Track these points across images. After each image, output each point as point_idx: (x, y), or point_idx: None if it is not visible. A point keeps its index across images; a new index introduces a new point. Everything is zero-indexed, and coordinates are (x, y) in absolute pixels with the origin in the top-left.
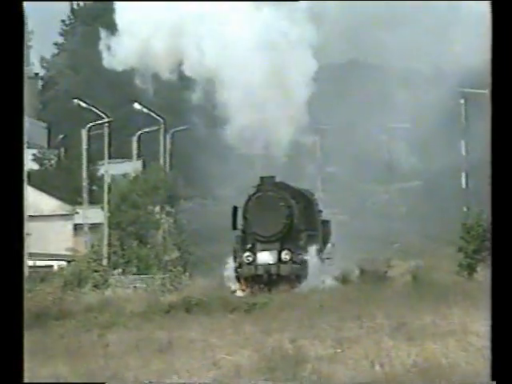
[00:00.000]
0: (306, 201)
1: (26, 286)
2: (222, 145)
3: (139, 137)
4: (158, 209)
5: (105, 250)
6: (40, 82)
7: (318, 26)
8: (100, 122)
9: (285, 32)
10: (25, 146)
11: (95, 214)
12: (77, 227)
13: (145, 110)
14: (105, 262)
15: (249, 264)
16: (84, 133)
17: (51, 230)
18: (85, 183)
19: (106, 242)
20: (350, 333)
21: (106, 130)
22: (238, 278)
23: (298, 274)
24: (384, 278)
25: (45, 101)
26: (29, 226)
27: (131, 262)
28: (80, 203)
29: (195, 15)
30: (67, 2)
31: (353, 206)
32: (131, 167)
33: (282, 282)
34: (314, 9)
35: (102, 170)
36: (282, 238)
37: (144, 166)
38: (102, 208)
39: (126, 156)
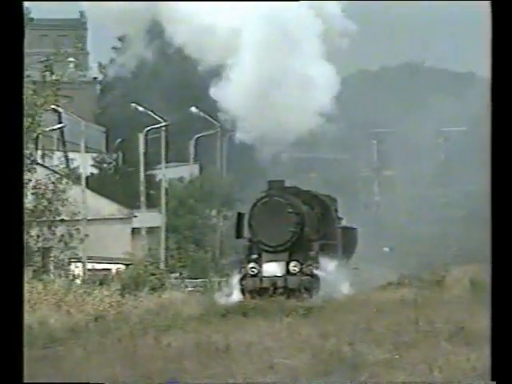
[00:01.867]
0: (322, 207)
1: (85, 289)
2: (274, 147)
3: (196, 140)
4: (214, 212)
5: (162, 253)
6: (98, 87)
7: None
8: (157, 125)
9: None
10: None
11: (152, 218)
12: (134, 231)
13: (202, 113)
14: (162, 265)
15: (253, 276)
16: (141, 137)
17: (110, 234)
18: (142, 187)
19: (163, 245)
20: (407, 337)
21: (163, 134)
22: (242, 291)
23: (307, 287)
24: (441, 283)
25: (103, 105)
26: (88, 230)
27: (188, 266)
28: (138, 207)
29: (255, 15)
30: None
31: (410, 210)
32: (188, 171)
33: (290, 296)
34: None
35: (159, 174)
36: (291, 248)
37: (201, 169)
38: (160, 212)
39: (184, 160)
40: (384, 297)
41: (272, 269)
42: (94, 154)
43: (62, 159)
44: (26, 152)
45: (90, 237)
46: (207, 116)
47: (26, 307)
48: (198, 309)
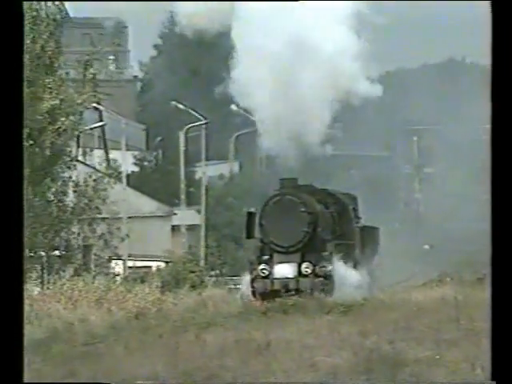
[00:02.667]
0: (339, 206)
1: (125, 287)
2: (315, 145)
3: (236, 138)
4: (253, 210)
5: (202, 251)
6: (138, 85)
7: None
8: (197, 123)
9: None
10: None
11: (192, 216)
12: (174, 228)
13: (241, 111)
14: (202, 263)
15: (264, 278)
16: (181, 135)
17: (150, 231)
18: (182, 185)
19: (202, 243)
20: (448, 335)
21: (203, 132)
22: (253, 293)
23: (320, 289)
24: (483, 280)
25: (143, 103)
26: (129, 227)
27: (227, 263)
28: (178, 204)
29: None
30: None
31: (451, 207)
32: (227, 169)
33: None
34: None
35: (199, 172)
36: (303, 249)
37: (240, 167)
38: (199, 209)
39: (223, 157)
40: (424, 295)
41: (283, 270)
42: (135, 152)
43: (103, 157)
44: (67, 150)
45: (131, 234)
46: (247, 114)
47: (68, 304)
48: (237, 306)
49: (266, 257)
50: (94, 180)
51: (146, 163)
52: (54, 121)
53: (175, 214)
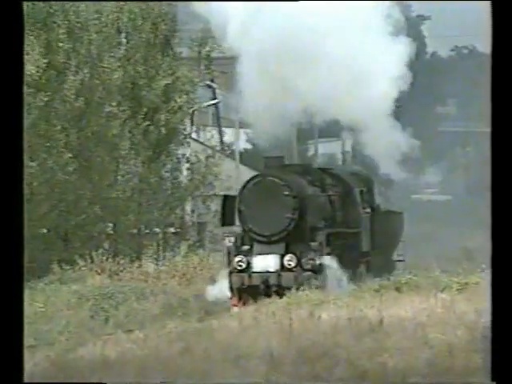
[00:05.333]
0: (343, 189)
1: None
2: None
3: None
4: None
5: None
6: None
7: None
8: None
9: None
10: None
11: None
12: None
13: None
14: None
15: (241, 271)
16: None
17: None
18: (296, 162)
19: None
20: None
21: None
22: (231, 289)
23: (307, 285)
24: None
25: None
26: None
27: None
28: None
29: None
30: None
31: None
32: (339, 146)
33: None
34: None
35: (311, 149)
36: (288, 238)
37: (355, 144)
38: None
39: (336, 135)
40: None
41: (263, 263)
42: (248, 130)
43: (216, 135)
44: (181, 127)
45: None
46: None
47: (183, 281)
48: (350, 284)
49: (245, 247)
50: (207, 157)
51: (257, 141)
52: (168, 99)
53: None
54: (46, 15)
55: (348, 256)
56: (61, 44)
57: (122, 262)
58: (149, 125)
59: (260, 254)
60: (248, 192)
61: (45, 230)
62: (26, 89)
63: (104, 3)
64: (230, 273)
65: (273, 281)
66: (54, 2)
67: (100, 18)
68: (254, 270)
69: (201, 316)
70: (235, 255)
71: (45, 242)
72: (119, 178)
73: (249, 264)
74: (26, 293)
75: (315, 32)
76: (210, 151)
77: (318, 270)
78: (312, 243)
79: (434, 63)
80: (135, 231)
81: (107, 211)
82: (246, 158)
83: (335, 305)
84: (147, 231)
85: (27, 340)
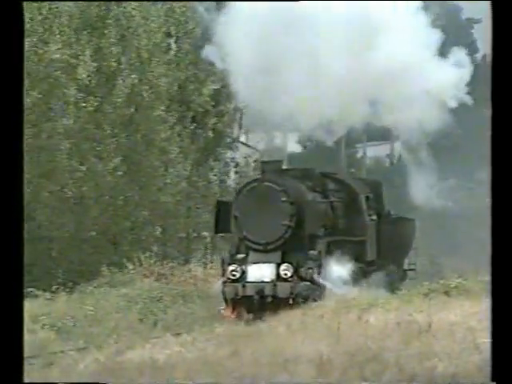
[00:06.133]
0: (347, 195)
1: None
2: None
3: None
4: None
5: None
6: None
7: None
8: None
9: None
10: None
11: None
12: None
13: None
14: None
15: (234, 281)
16: None
17: None
18: (343, 165)
19: None
20: None
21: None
22: (225, 300)
23: (305, 296)
24: None
25: None
26: None
27: None
28: None
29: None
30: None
31: None
32: (389, 149)
33: (281, 306)
34: None
35: (360, 152)
36: (284, 247)
37: (405, 146)
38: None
39: (386, 138)
40: None
41: (258, 272)
42: (297, 133)
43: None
44: (228, 131)
45: None
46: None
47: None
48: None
49: (240, 256)
50: (255, 161)
51: (307, 143)
52: (216, 104)
53: None
54: (97, 19)
55: (351, 265)
56: (111, 49)
57: (170, 265)
58: (196, 128)
59: (255, 263)
60: (243, 198)
61: (94, 233)
62: (76, 93)
63: (153, 7)
64: (224, 282)
65: (268, 291)
66: (104, 6)
67: (149, 23)
68: (249, 279)
69: (249, 319)
70: (229, 264)
71: (94, 246)
72: (168, 181)
73: (243, 273)
74: (76, 296)
75: (367, 41)
76: (258, 155)
77: (316, 281)
78: (311, 252)
79: (485, 67)
80: (183, 235)
81: (156, 215)
82: (294, 161)
83: (383, 308)
84: (195, 235)
85: (78, 342)
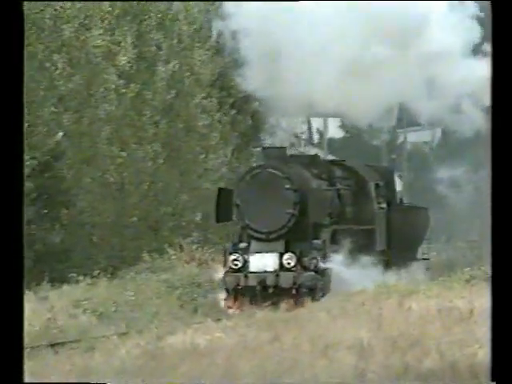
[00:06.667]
0: (356, 183)
1: None
2: None
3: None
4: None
5: None
6: None
7: None
8: None
9: None
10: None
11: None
12: None
13: None
14: None
15: (236, 271)
16: None
17: None
18: (384, 150)
19: None
20: None
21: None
22: (226, 290)
23: (309, 287)
24: None
25: None
26: None
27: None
28: None
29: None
30: None
31: None
32: (430, 135)
33: (284, 297)
34: None
35: (400, 138)
36: (288, 235)
37: (443, 133)
38: (401, 176)
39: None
40: None
41: (261, 262)
42: (337, 118)
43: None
44: (268, 117)
45: None
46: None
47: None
48: (439, 274)
49: (243, 245)
50: (292, 144)
51: (347, 129)
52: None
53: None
54: (137, 6)
55: (359, 255)
56: (152, 35)
57: (210, 251)
58: (237, 114)
59: (257, 253)
60: (245, 185)
61: (135, 219)
62: (116, 79)
63: None
64: (226, 272)
65: (270, 281)
66: None
67: (190, 9)
68: (251, 269)
69: (289, 305)
70: (230, 253)
71: (135, 231)
72: (208, 167)
73: (245, 263)
74: (117, 281)
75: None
76: (296, 140)
77: (321, 271)
78: (315, 241)
79: None
80: None
81: (196, 201)
82: (334, 147)
83: (424, 295)
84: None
85: (119, 327)
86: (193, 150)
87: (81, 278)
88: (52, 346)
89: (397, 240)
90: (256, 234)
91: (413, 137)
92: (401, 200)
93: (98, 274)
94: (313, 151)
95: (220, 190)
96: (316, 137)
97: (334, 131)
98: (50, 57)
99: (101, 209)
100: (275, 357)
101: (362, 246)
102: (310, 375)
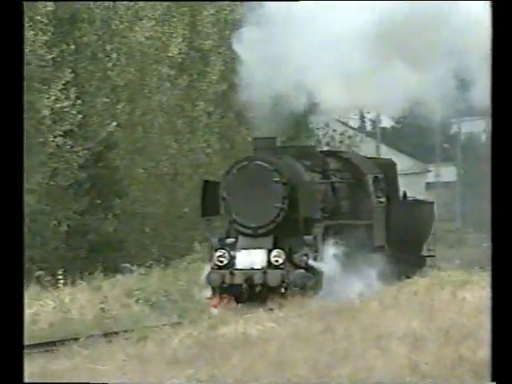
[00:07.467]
0: (353, 176)
1: None
2: None
3: None
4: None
5: (457, 209)
6: None
7: None
8: None
9: None
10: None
11: (448, 173)
12: (430, 185)
13: None
14: (458, 221)
15: (221, 268)
16: None
17: (404, 188)
18: (438, 141)
19: (458, 200)
20: None
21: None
22: (212, 288)
23: (299, 285)
24: None
25: None
26: None
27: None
28: (433, 161)
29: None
30: None
31: None
32: (485, 124)
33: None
34: None
35: (455, 127)
36: (276, 231)
37: None
38: (456, 166)
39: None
40: None
41: (248, 259)
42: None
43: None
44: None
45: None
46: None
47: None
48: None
49: (230, 240)
50: (349, 137)
51: (401, 119)
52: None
53: (430, 171)
54: None
55: (355, 251)
56: (204, 26)
57: None
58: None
59: (244, 249)
60: (232, 178)
61: (187, 210)
62: (168, 70)
63: None
64: (211, 269)
65: (257, 279)
66: None
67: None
68: (237, 266)
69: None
70: (216, 249)
71: (187, 222)
72: None
73: (232, 260)
74: (170, 271)
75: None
76: (350, 131)
77: (312, 268)
78: (306, 237)
79: None
80: None
81: None
82: (387, 137)
83: (478, 285)
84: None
85: (172, 317)
86: (245, 139)
87: (134, 268)
88: (105, 335)
89: (397, 236)
90: (243, 229)
91: (467, 126)
92: (404, 194)
93: (151, 264)
94: (366, 140)
95: (206, 182)
96: (369, 127)
97: (387, 121)
98: (104, 47)
99: (153, 199)
100: (327, 347)
101: (359, 241)
102: (362, 365)
